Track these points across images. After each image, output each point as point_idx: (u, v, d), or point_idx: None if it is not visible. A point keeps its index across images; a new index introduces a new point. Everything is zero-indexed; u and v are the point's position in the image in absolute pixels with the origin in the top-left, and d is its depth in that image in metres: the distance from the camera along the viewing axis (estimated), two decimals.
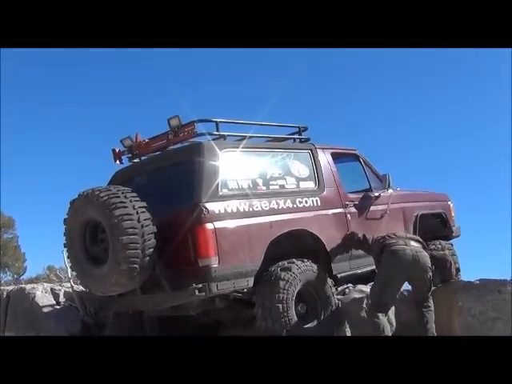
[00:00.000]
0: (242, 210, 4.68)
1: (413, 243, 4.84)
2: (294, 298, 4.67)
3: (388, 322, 4.79)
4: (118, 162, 5.60)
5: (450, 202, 7.12)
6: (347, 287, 5.42)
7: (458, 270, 6.33)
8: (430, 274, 4.72)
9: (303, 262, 4.86)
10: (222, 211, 4.54)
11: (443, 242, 6.54)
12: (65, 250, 4.93)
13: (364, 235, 5.18)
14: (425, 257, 4.75)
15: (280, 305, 4.54)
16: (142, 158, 5.53)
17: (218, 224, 4.45)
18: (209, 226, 4.39)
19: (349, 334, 4.91)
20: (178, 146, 5.24)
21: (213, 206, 4.49)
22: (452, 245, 6.78)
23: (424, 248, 4.89)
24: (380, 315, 4.58)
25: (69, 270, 5.24)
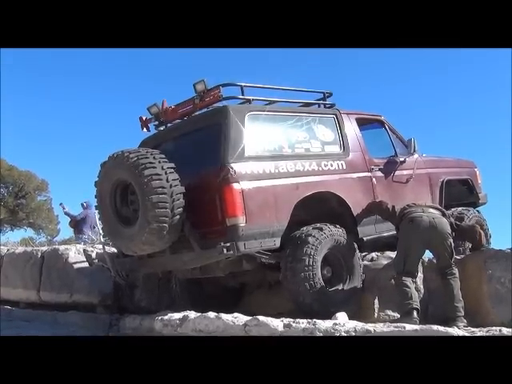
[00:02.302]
0: (268, 172, 4.72)
1: (431, 210, 4.82)
2: (321, 257, 4.71)
3: (416, 290, 4.80)
4: (145, 129, 5.68)
5: (476, 169, 7.05)
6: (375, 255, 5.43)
7: (489, 235, 6.31)
8: (450, 240, 4.68)
9: (334, 226, 4.90)
10: (249, 172, 4.60)
11: (463, 209, 6.34)
12: (97, 211, 5.07)
13: (393, 206, 5.13)
14: (443, 223, 4.72)
15: (307, 258, 4.58)
16: (168, 124, 5.59)
17: (245, 184, 4.51)
18: (236, 185, 4.45)
19: (376, 300, 4.92)
20: (204, 111, 5.28)
21: (239, 167, 4.54)
22: (479, 212, 6.71)
23: (444, 215, 4.85)
24: (407, 283, 4.56)
25: (100, 231, 5.39)
